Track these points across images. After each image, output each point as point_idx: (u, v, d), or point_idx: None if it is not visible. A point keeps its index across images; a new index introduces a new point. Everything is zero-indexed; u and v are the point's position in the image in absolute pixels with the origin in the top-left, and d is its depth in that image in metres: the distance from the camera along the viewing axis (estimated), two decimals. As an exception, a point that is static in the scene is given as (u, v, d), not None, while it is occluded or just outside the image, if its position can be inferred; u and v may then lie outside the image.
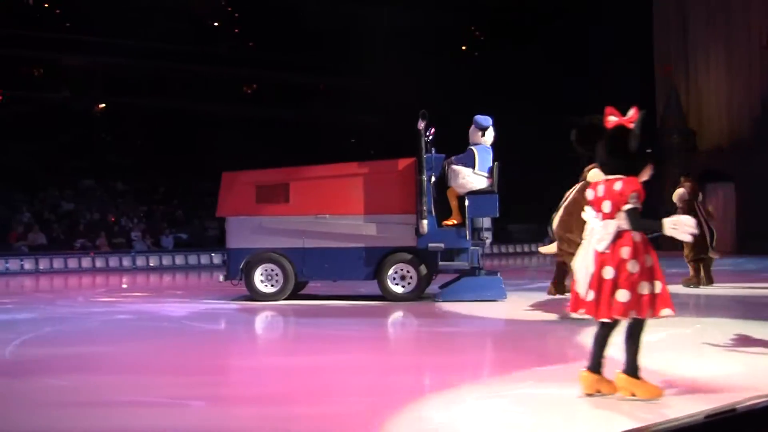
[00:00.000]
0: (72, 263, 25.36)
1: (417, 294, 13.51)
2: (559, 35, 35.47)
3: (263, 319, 12.51)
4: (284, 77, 42.46)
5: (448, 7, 37.42)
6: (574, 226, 10.31)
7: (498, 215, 13.72)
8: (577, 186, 11.08)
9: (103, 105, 39.09)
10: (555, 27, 36.31)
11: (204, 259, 27.07)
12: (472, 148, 13.37)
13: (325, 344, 9.84)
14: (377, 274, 13.60)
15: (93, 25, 36.38)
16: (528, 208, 28.01)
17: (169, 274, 24.63)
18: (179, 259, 27.20)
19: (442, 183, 13.59)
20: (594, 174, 9.42)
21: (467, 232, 13.30)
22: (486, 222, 13.96)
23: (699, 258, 15.23)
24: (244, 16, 42.40)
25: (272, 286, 13.83)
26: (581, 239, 6.34)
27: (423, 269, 13.46)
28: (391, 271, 13.54)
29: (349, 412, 6.31)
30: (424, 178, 13.20)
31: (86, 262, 25.81)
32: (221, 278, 14.51)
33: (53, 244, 27.18)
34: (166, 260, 27.25)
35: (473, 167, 13.22)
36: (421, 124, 13.15)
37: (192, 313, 13.04)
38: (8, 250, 25.90)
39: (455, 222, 13.43)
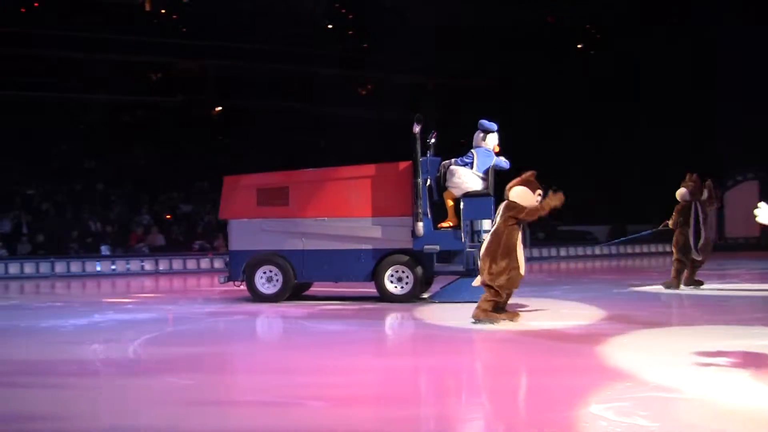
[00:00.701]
0: (191, 264, 25.76)
1: (413, 295, 13.70)
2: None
3: (381, 319, 12.31)
4: (397, 78, 42.46)
5: (564, 5, 37.09)
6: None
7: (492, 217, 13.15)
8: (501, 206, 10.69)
9: (220, 108, 39.71)
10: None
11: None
12: (473, 150, 13.48)
13: (424, 345, 9.85)
14: (375, 275, 13.85)
15: (208, 29, 37.01)
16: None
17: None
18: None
19: (440, 186, 13.74)
20: (517, 192, 10.30)
21: (462, 235, 13.43)
22: (485, 224, 13.48)
23: (682, 259, 15.24)
24: (357, 18, 42.56)
25: (272, 287, 14.20)
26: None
27: (419, 271, 13.65)
28: (388, 273, 13.79)
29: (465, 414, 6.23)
30: (420, 181, 13.39)
31: (204, 263, 26.17)
32: (221, 280, 14.94)
33: (171, 245, 27.68)
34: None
35: (471, 167, 13.33)
36: (417, 128, 13.32)
37: (309, 313, 12.97)
38: (129, 252, 26.50)
39: (451, 224, 13.59)
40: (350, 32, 42.64)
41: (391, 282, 13.81)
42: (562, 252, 32.18)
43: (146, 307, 14.56)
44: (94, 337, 10.55)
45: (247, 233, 14.42)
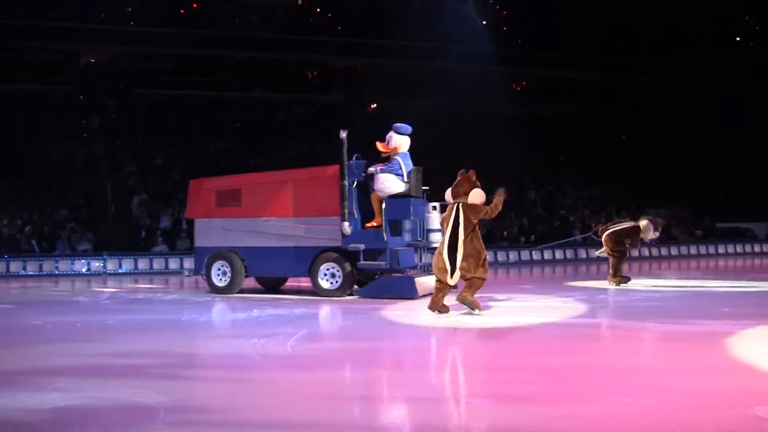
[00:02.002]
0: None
1: (343, 291, 14.76)
2: None
3: (545, 317, 12.01)
4: (552, 74, 41.76)
5: None
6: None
7: (411, 218, 14.61)
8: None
9: (375, 105, 39.69)
10: None
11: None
12: (397, 157, 14.35)
13: (571, 345, 9.63)
14: (310, 271, 14.93)
15: (363, 27, 37.03)
16: None
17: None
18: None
19: (369, 188, 14.72)
20: (475, 195, 11.47)
21: (385, 234, 14.31)
22: (435, 223, 14.24)
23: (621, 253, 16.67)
24: (511, 15, 42.00)
25: (226, 280, 15.62)
26: None
27: (348, 267, 14.65)
28: (321, 269, 14.83)
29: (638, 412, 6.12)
30: (346, 183, 14.42)
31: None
32: (186, 273, 16.72)
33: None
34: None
35: (401, 175, 14.28)
36: (343, 134, 14.55)
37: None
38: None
39: (376, 224, 14.47)
40: (504, 28, 41.97)
41: (325, 278, 14.87)
42: (720, 249, 31.46)
43: (302, 303, 14.50)
44: (253, 331, 10.62)
45: (208, 231, 15.94)
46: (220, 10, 37.98)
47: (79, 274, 22.81)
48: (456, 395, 6.99)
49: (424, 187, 14.89)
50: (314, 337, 10.41)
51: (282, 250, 15.24)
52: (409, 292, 14.39)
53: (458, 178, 11.81)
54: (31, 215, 26.18)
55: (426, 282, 14.34)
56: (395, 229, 14.67)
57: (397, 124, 14.60)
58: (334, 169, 14.74)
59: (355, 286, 15.10)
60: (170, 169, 31.05)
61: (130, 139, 32.66)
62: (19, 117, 31.87)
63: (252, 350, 9.10)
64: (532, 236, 29.60)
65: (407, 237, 14.92)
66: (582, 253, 27.53)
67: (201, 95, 35.91)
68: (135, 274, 23.32)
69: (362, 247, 14.44)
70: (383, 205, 14.42)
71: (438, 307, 11.73)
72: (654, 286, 16.89)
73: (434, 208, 14.53)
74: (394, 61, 37.87)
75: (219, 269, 15.68)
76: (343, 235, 14.51)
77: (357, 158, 14.81)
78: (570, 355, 8.80)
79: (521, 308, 13.29)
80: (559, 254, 27.79)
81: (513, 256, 27.26)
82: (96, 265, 23.51)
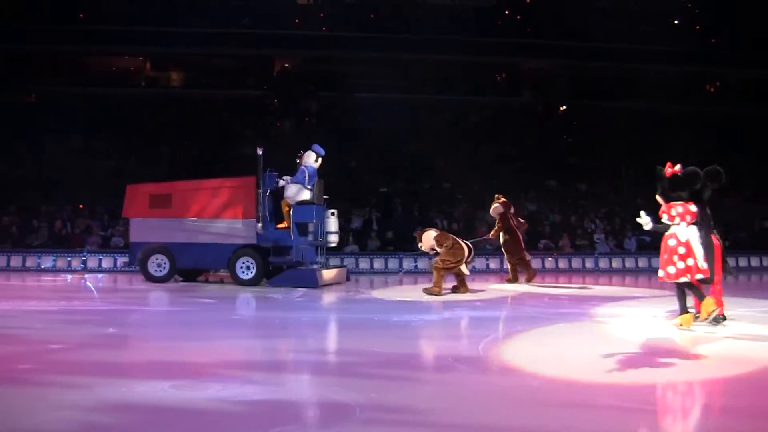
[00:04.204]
0: (535, 264, 25.28)
1: (257, 281, 17.82)
2: None
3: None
4: (750, 74, 39.93)
5: None
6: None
7: (314, 221, 17.76)
8: None
9: (564, 107, 39.13)
10: None
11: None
12: (305, 168, 17.70)
13: None
14: (229, 264, 17.96)
15: (551, 28, 36.57)
16: None
17: (632, 276, 24.00)
18: (642, 262, 26.21)
19: (279, 195, 17.83)
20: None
21: (292, 234, 17.58)
22: (333, 226, 18.41)
23: (518, 260, 19.39)
24: (704, 13, 40.41)
25: (161, 271, 18.44)
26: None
27: (261, 261, 17.79)
28: (239, 263, 17.88)
29: None
30: (261, 191, 17.58)
31: (549, 262, 25.69)
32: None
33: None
34: (629, 262, 26.44)
35: (304, 183, 17.53)
36: (260, 151, 17.40)
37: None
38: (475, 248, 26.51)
39: (286, 226, 17.71)
40: (697, 27, 40.47)
41: (242, 270, 17.88)
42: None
43: (491, 305, 14.48)
44: (444, 332, 10.79)
45: (141, 229, 18.63)
46: (411, 14, 38.33)
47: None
48: (617, 408, 6.47)
49: (324, 196, 18.41)
50: (505, 340, 10.24)
51: (206, 246, 18.10)
52: (311, 282, 17.40)
53: None
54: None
55: (327, 274, 18.11)
56: (301, 230, 17.74)
57: (315, 145, 18.17)
58: (250, 179, 17.86)
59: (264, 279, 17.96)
60: (362, 170, 31.54)
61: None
62: (211, 120, 33.17)
63: (445, 352, 9.09)
64: (727, 242, 28.35)
65: (310, 237, 17.92)
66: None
67: (393, 98, 36.33)
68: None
69: (271, 244, 17.69)
70: (291, 210, 17.54)
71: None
72: None
73: (332, 213, 18.45)
74: (582, 63, 37.26)
75: (154, 262, 18.49)
76: (258, 234, 17.63)
77: (270, 171, 17.71)
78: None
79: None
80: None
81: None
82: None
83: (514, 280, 19.43)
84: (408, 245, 26.07)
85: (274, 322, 12.27)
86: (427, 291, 15.68)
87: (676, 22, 40.13)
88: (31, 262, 23.78)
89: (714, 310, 10.56)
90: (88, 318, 12.74)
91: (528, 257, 19.62)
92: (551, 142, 34.87)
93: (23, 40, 35.12)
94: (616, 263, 26.29)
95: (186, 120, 32.92)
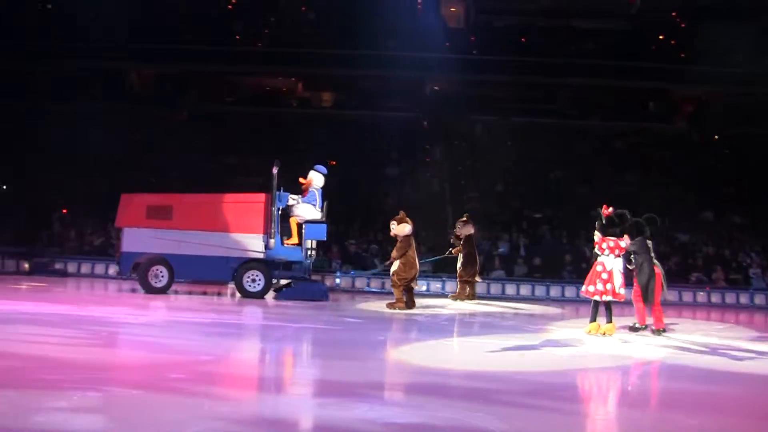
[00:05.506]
0: (687, 297, 24.54)
1: (264, 293, 18.30)
2: None
3: None
4: None
5: None
6: None
7: (326, 239, 19.03)
8: None
9: (717, 136, 37.86)
10: None
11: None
12: (314, 190, 18.37)
13: None
14: (235, 277, 18.32)
15: (706, 55, 35.44)
16: None
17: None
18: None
19: (286, 213, 18.48)
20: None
21: (302, 250, 18.31)
22: (314, 243, 18.95)
23: (467, 280, 20.23)
24: None
25: (160, 282, 18.38)
26: None
27: (269, 275, 18.28)
28: (246, 275, 18.26)
29: None
30: (275, 209, 18.08)
31: (701, 296, 24.77)
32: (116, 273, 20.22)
33: (666, 276, 26.44)
34: (787, 300, 25.19)
35: (315, 204, 18.28)
36: (275, 169, 17.95)
37: None
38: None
39: (295, 242, 18.33)
40: None
41: (248, 282, 18.25)
42: None
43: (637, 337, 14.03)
44: (584, 362, 10.71)
45: (136, 239, 18.45)
46: (555, 38, 38.02)
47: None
48: None
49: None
50: (654, 374, 9.94)
51: (211, 258, 18.21)
52: (321, 296, 18.62)
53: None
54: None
55: None
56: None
57: (317, 165, 18.53)
58: (260, 196, 18.50)
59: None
60: (510, 195, 31.35)
61: (470, 165, 33.33)
62: (359, 141, 33.50)
63: (591, 382, 8.96)
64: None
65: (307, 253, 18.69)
66: None
67: (539, 123, 36.02)
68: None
69: (284, 259, 18.30)
70: (304, 228, 18.19)
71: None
72: None
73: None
74: (736, 89, 36.03)
75: (153, 272, 18.40)
76: (267, 249, 18.10)
77: (281, 190, 18.15)
78: None
79: None
80: None
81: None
82: (435, 286, 23.95)
83: (462, 297, 20.25)
84: (556, 272, 25.75)
85: (418, 343, 12.30)
86: (391, 306, 16.98)
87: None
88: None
89: (607, 334, 13.17)
90: (235, 331, 13.06)
91: (478, 280, 20.77)
92: (705, 172, 33.75)
93: (182, 60, 36.51)
94: (773, 300, 25.03)
95: (335, 140, 33.36)
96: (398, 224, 17.31)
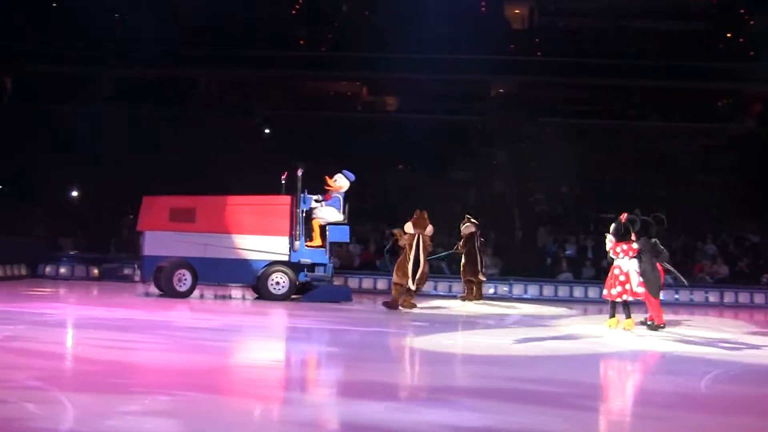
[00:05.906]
0: (758, 299, 24.15)
1: (288, 296, 18.11)
2: None
3: None
4: None
5: None
6: None
7: (349, 240, 20.05)
8: None
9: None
10: None
11: None
12: (338, 195, 18.35)
13: None
14: (259, 279, 18.06)
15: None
16: None
17: None
18: None
19: (308, 215, 18.30)
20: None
21: (327, 252, 18.30)
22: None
23: (470, 279, 20.26)
24: None
25: (184, 286, 17.92)
26: None
27: (293, 277, 18.06)
28: (270, 278, 17.97)
29: None
30: (299, 211, 18.03)
31: (771, 297, 24.36)
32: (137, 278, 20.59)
33: (736, 277, 26.17)
34: None
35: (339, 208, 18.32)
36: (300, 172, 17.94)
37: None
38: (692, 281, 25.52)
39: (318, 244, 18.20)
40: None
41: (272, 285, 17.96)
42: None
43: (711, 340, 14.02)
44: (665, 368, 10.69)
45: (159, 242, 18.12)
46: (619, 39, 37.68)
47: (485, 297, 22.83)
48: None
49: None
50: (734, 378, 9.88)
51: (234, 261, 18.09)
52: (345, 297, 18.75)
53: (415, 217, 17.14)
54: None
55: None
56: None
57: (345, 171, 18.51)
58: (284, 198, 18.34)
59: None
60: (577, 198, 31.20)
61: (537, 167, 33.17)
62: (423, 145, 33.46)
63: (669, 387, 8.95)
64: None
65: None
66: None
67: (606, 124, 35.75)
68: (539, 300, 23.37)
69: (309, 261, 18.17)
70: (328, 230, 18.19)
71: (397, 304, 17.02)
72: None
73: None
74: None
75: (177, 276, 17.93)
76: (292, 251, 17.94)
77: (305, 192, 18.12)
78: None
79: None
80: None
81: None
82: (503, 289, 23.97)
83: (468, 298, 20.27)
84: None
85: (486, 347, 12.38)
86: (387, 304, 17.46)
87: None
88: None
89: (626, 329, 13.98)
90: (305, 336, 13.26)
91: (482, 279, 20.45)
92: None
93: (247, 66, 36.85)
94: None
95: (399, 144, 33.41)
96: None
